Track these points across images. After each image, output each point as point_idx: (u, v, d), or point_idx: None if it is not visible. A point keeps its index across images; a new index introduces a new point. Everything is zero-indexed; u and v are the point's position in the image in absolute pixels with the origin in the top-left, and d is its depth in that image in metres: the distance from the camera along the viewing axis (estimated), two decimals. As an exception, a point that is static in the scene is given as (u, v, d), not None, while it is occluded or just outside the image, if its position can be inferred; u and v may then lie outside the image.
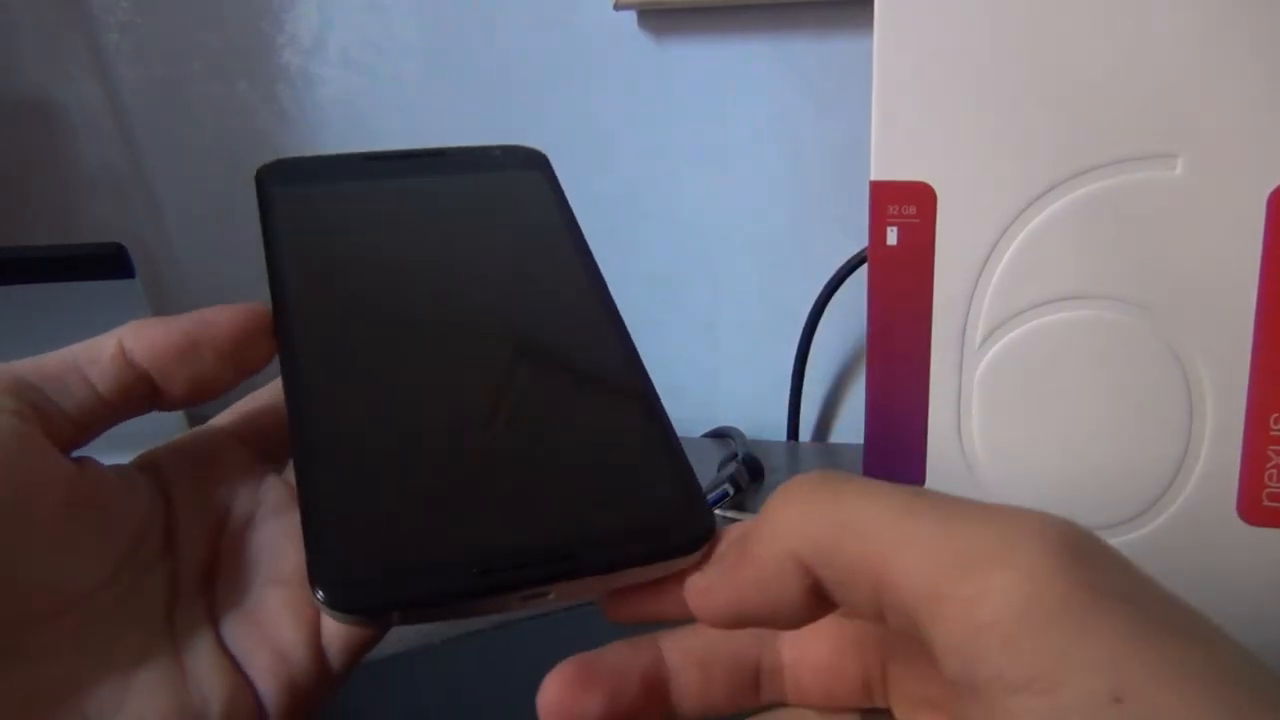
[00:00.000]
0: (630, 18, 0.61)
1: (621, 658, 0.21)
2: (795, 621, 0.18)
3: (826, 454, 0.62)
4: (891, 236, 0.33)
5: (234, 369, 0.23)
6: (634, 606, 0.21)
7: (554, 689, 0.20)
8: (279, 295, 0.24)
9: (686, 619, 0.21)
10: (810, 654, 0.21)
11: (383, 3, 0.64)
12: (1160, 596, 0.15)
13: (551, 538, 0.21)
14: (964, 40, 0.31)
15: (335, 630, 0.22)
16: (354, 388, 0.23)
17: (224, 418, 0.26)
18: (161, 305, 0.73)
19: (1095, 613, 0.14)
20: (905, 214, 0.33)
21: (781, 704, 0.21)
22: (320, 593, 0.19)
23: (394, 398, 0.23)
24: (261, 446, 0.25)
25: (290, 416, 0.22)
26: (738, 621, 0.19)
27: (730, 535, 0.21)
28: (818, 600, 0.18)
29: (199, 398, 0.23)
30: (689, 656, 0.21)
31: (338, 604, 0.19)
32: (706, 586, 0.19)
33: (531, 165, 0.29)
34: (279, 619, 0.22)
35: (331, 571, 0.20)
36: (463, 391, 0.23)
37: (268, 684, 0.22)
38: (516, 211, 0.28)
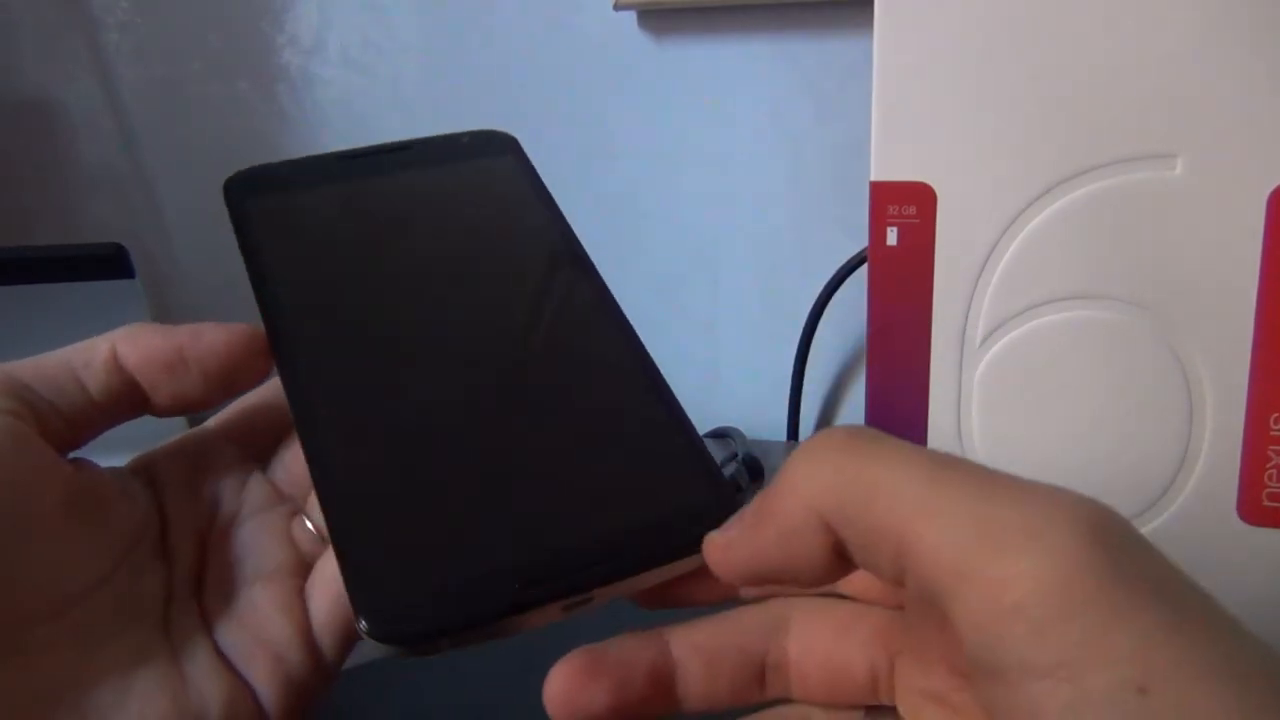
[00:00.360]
0: (630, 18, 0.61)
1: (628, 650, 0.21)
2: (814, 580, 0.18)
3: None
4: (891, 236, 0.33)
5: (220, 389, 0.23)
6: (667, 595, 0.21)
7: (561, 679, 0.20)
8: (272, 314, 0.24)
9: (721, 603, 0.21)
10: (817, 648, 0.21)
11: (383, 3, 0.64)
12: (1186, 587, 0.15)
13: (585, 542, 0.20)
14: (964, 40, 0.31)
15: (326, 620, 0.22)
16: (365, 407, 0.22)
17: (217, 419, 0.26)
18: (161, 305, 0.73)
19: (1124, 601, 0.14)
20: (905, 214, 0.33)
21: (785, 700, 0.21)
22: (366, 625, 0.19)
23: (408, 414, 0.22)
24: (252, 447, 0.25)
25: (304, 444, 0.22)
26: (757, 578, 0.19)
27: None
28: (838, 559, 0.17)
29: (182, 411, 0.23)
30: (695, 650, 0.21)
31: (387, 636, 0.19)
32: (726, 543, 0.19)
33: (502, 150, 0.28)
34: (269, 618, 0.22)
35: (377, 605, 0.19)
36: (476, 399, 0.23)
37: (266, 685, 0.22)
38: (494, 201, 0.27)
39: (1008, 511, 0.15)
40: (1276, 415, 0.31)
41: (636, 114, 0.63)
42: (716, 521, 0.20)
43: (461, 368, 0.23)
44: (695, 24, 0.60)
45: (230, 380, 0.23)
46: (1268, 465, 0.32)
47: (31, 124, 0.71)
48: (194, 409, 0.23)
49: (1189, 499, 0.33)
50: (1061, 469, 0.33)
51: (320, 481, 0.21)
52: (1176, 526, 0.33)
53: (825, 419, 0.67)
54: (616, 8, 0.59)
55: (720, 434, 0.62)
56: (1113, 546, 0.14)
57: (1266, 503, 0.32)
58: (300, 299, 0.24)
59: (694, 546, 0.20)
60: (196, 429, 0.25)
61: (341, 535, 0.20)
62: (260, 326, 0.24)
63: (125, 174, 0.71)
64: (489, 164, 0.28)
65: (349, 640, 0.23)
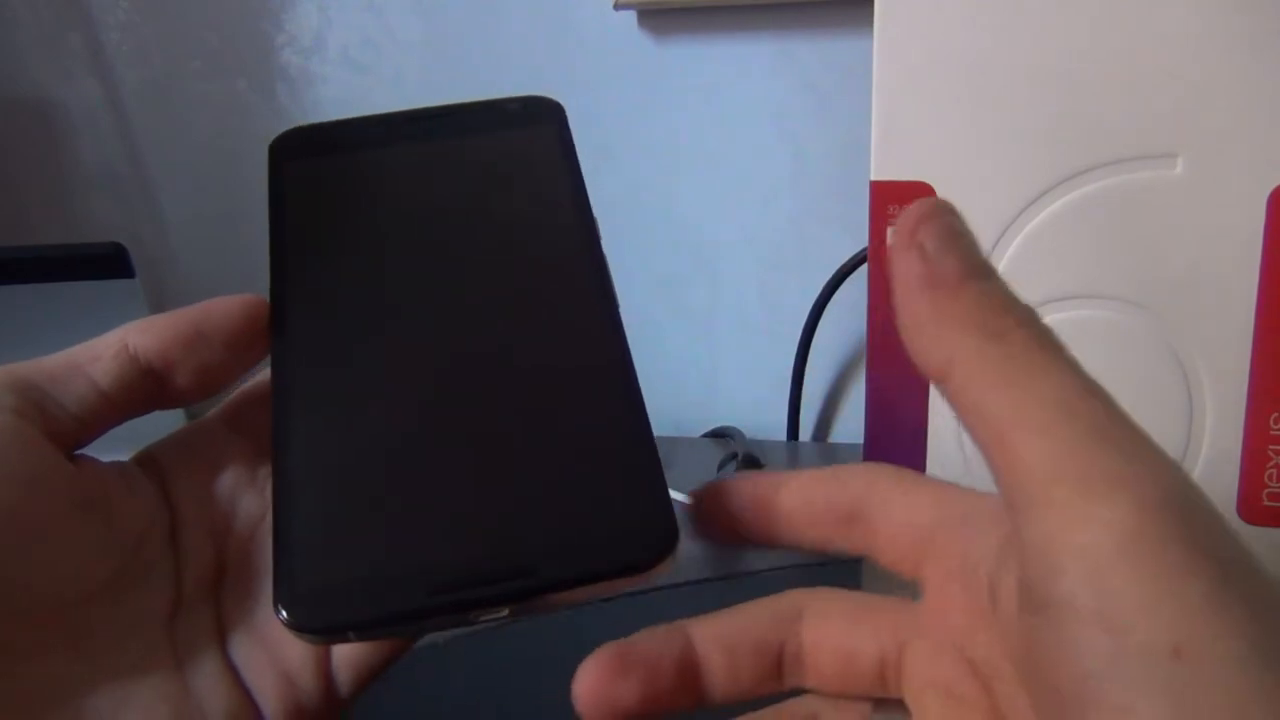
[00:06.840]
0: (630, 18, 0.61)
1: (655, 644, 0.21)
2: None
3: (826, 454, 0.62)
4: (891, 236, 0.33)
5: (239, 358, 0.23)
6: (726, 527, 0.22)
7: (590, 677, 0.20)
8: (274, 286, 0.24)
9: (764, 545, 0.22)
10: (829, 637, 0.21)
11: (382, 2, 0.64)
12: (1245, 567, 0.15)
13: (504, 555, 0.20)
14: (964, 40, 0.31)
15: (345, 655, 0.22)
16: (329, 394, 0.22)
17: (221, 410, 0.25)
18: (161, 305, 0.72)
19: (1180, 566, 0.14)
20: (905, 214, 0.33)
21: (802, 688, 0.22)
22: (281, 611, 0.20)
23: (367, 407, 0.22)
24: (260, 440, 0.25)
25: (272, 422, 0.22)
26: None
27: None
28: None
29: (205, 388, 0.23)
30: (716, 642, 0.21)
31: (293, 622, 0.20)
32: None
33: (546, 121, 0.28)
34: (288, 639, 0.21)
35: (290, 589, 0.20)
36: (438, 399, 0.22)
37: (272, 707, 0.21)
38: (519, 183, 0.26)
39: (1109, 455, 0.15)
40: (1276, 415, 0.31)
41: (636, 114, 0.63)
42: (645, 549, 0.20)
43: (434, 364, 0.23)
44: (695, 24, 0.60)
45: (250, 346, 0.23)
46: (1268, 465, 0.32)
47: (31, 124, 0.71)
48: (214, 385, 0.23)
49: (1189, 499, 0.33)
50: (1061, 469, 0.34)
51: (273, 466, 0.22)
52: (1176, 526, 0.33)
53: (825, 419, 0.67)
54: (616, 8, 0.59)
55: (720, 434, 0.62)
56: (1186, 512, 0.15)
57: (1266, 502, 0.32)
58: (298, 276, 0.24)
59: (614, 573, 0.20)
60: (199, 420, 0.25)
61: (277, 521, 0.21)
62: (266, 297, 0.24)
63: (125, 174, 0.71)
64: (527, 137, 0.27)
65: (367, 679, 0.22)
